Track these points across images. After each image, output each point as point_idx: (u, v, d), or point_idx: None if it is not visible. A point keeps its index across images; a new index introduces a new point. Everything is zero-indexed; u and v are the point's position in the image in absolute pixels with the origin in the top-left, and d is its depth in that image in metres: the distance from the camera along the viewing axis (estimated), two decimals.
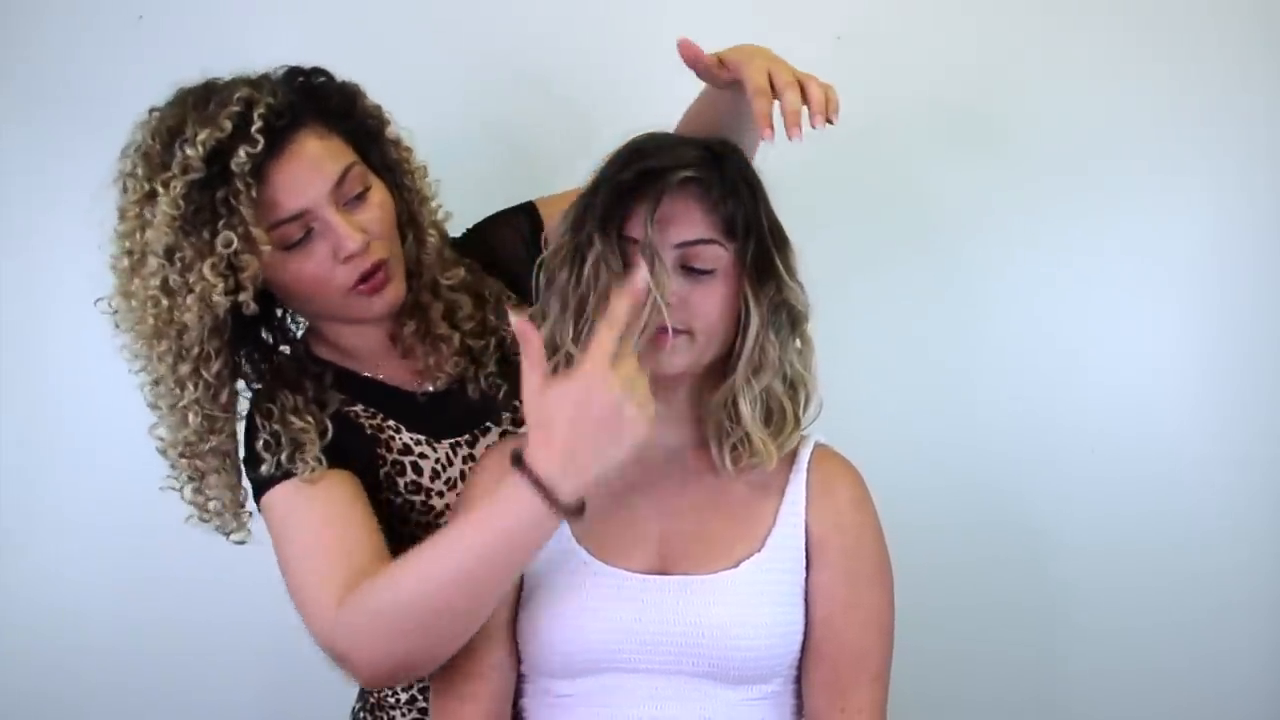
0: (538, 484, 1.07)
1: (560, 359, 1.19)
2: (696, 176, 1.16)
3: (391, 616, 1.12)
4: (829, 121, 1.15)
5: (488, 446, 1.36)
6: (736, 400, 1.19)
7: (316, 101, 1.27)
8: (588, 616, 1.18)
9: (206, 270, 1.18)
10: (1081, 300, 1.70)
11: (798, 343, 1.23)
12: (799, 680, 1.24)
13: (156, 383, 1.26)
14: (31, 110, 1.78)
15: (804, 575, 1.22)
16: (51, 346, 1.80)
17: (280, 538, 1.25)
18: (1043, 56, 1.69)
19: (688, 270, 1.17)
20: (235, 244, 1.18)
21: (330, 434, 1.29)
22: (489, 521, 1.10)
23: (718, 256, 1.18)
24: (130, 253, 1.23)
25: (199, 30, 1.73)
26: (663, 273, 1.14)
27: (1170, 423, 1.70)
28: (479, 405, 1.37)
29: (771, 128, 1.13)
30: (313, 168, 1.22)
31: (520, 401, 1.34)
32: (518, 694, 1.25)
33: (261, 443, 1.26)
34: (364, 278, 1.26)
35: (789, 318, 1.21)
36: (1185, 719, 1.71)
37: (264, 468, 1.25)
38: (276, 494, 1.26)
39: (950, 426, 1.73)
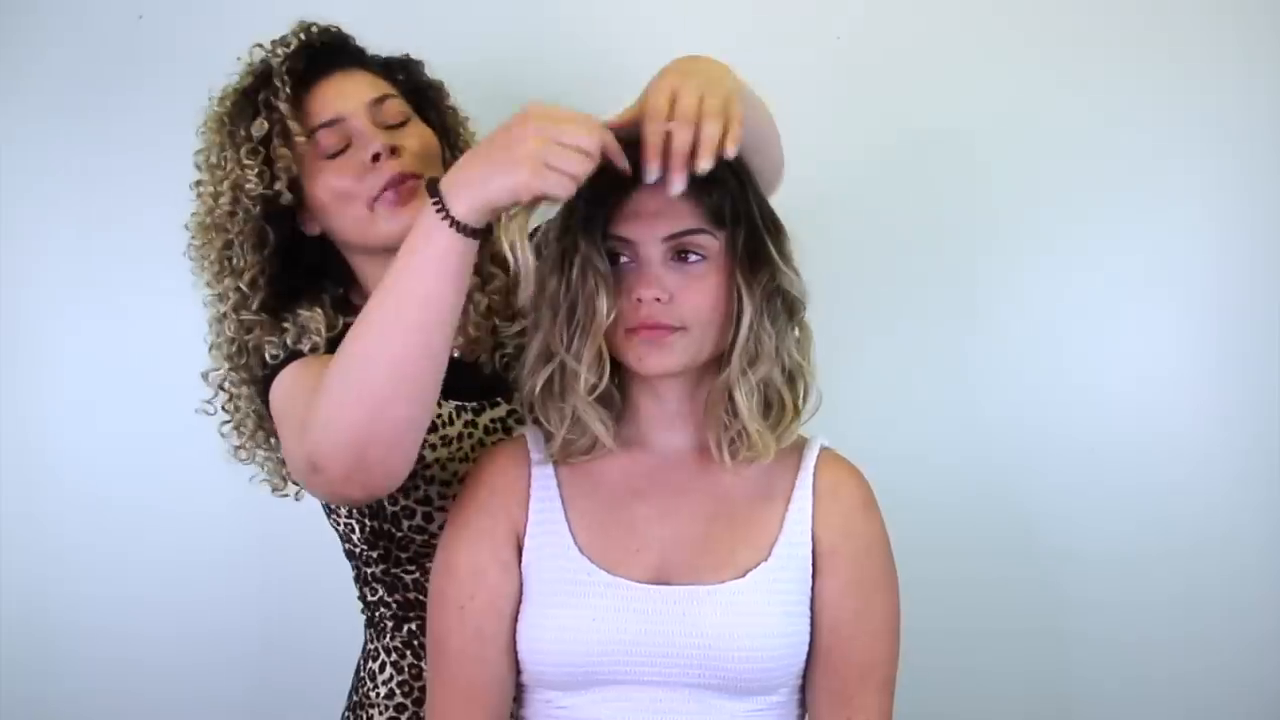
0: (434, 192, 1.07)
1: (555, 367, 1.18)
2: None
3: (337, 389, 1.11)
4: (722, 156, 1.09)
5: (494, 434, 1.37)
6: (733, 392, 1.17)
7: (379, 60, 1.39)
8: (591, 629, 1.15)
9: (243, 156, 1.29)
10: (1085, 305, 1.68)
11: (796, 332, 1.20)
12: (803, 689, 1.22)
13: (211, 297, 1.35)
14: (32, 110, 1.78)
15: (811, 583, 1.20)
16: (44, 346, 1.81)
17: (283, 414, 1.26)
18: (1045, 58, 1.68)
19: (677, 264, 1.15)
20: (266, 130, 1.28)
21: (340, 328, 1.32)
22: (399, 254, 1.10)
23: (707, 245, 1.15)
24: (199, 182, 1.35)
25: (199, 30, 1.73)
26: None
27: (1173, 427, 1.68)
28: (490, 380, 1.39)
29: (657, 160, 1.08)
30: (353, 87, 1.34)
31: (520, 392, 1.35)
32: (517, 703, 1.23)
33: (267, 341, 1.32)
34: (392, 186, 1.31)
35: (785, 306, 1.18)
36: None
37: (268, 356, 1.31)
38: (281, 376, 1.28)
39: (953, 433, 1.71)
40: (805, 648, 1.19)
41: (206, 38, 1.72)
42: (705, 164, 1.07)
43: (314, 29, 1.35)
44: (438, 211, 1.06)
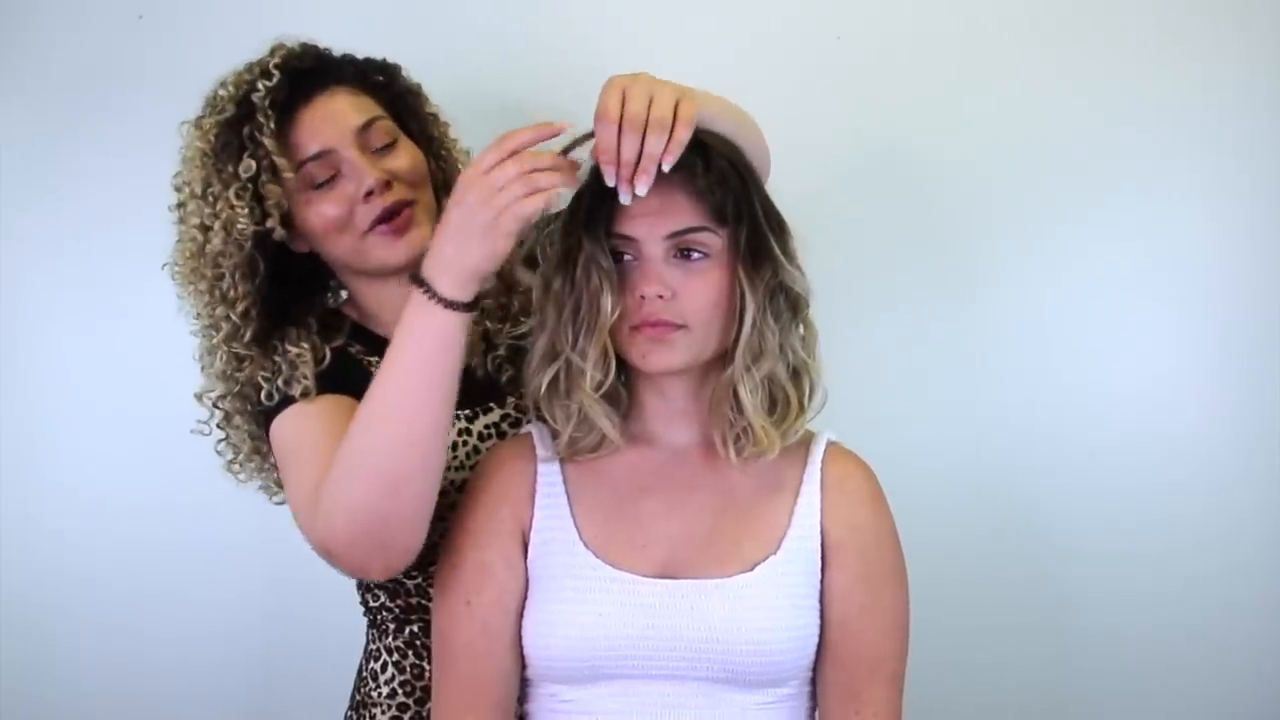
0: (420, 281, 1.14)
1: (560, 365, 1.19)
2: (681, 165, 1.14)
3: (346, 474, 1.16)
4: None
5: (488, 440, 1.37)
6: (737, 389, 1.18)
7: (356, 69, 1.37)
8: (597, 624, 1.16)
9: (231, 196, 1.28)
10: (1086, 305, 1.68)
11: (800, 329, 1.21)
12: (813, 681, 1.23)
13: (201, 327, 1.34)
14: (32, 110, 1.77)
15: (819, 577, 1.20)
16: (43, 344, 1.81)
17: (284, 463, 1.30)
18: (1045, 58, 1.67)
19: (680, 261, 1.16)
20: (254, 169, 1.27)
21: (327, 361, 1.33)
22: (394, 339, 1.16)
23: (709, 243, 1.16)
24: (182, 205, 1.34)
25: (199, 30, 1.73)
26: None
27: (1174, 426, 1.67)
28: (483, 385, 1.39)
29: (612, 164, 1.12)
30: (338, 113, 1.32)
31: (524, 391, 1.36)
32: (522, 698, 1.24)
33: (261, 376, 1.31)
34: (385, 218, 1.31)
35: (788, 302, 1.19)
36: None
37: (263, 395, 1.31)
38: (280, 421, 1.30)
39: (954, 431, 1.70)
40: (814, 641, 1.20)
41: (206, 38, 1.72)
42: (641, 188, 1.11)
43: (294, 51, 1.32)
44: (428, 297, 1.13)
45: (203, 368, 1.36)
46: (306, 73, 1.32)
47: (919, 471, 1.64)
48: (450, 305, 1.12)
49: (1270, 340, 1.66)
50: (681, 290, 1.15)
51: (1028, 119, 1.68)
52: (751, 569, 1.18)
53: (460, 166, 1.44)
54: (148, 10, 1.75)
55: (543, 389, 1.21)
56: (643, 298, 1.15)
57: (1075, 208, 1.68)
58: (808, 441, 1.25)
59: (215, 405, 1.37)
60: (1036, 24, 1.67)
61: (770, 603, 1.17)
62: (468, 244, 1.11)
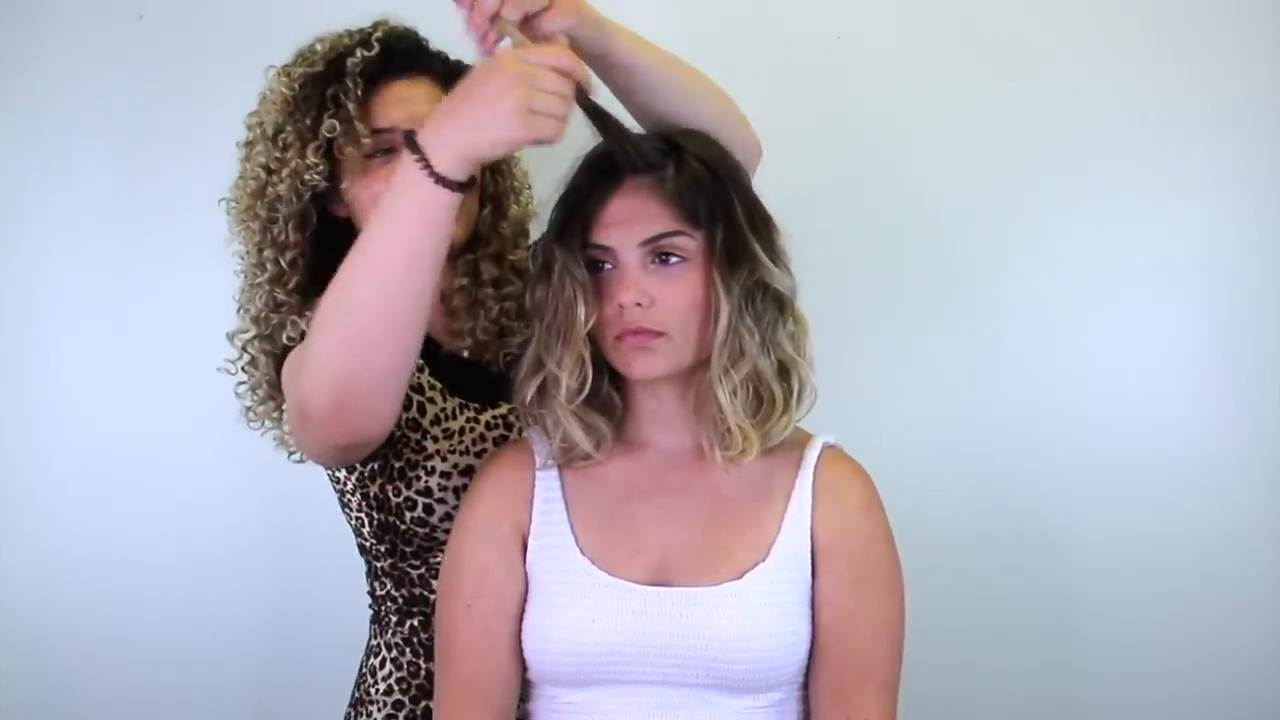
0: (414, 147, 1.07)
1: (545, 375, 1.19)
2: (650, 170, 1.15)
3: (324, 337, 1.14)
4: None
5: (495, 430, 1.38)
6: (715, 391, 1.17)
7: (444, 66, 1.39)
8: (591, 629, 1.16)
9: (309, 151, 1.31)
10: (1087, 302, 1.68)
11: (790, 325, 1.20)
12: (805, 686, 1.22)
13: (247, 266, 1.38)
14: (32, 109, 1.78)
15: (810, 582, 1.19)
16: (46, 343, 1.82)
17: (287, 382, 1.28)
18: (1044, 57, 1.68)
19: (658, 267, 1.16)
20: (339, 130, 1.31)
21: None
22: (380, 202, 1.11)
23: (685, 246, 1.16)
24: (250, 144, 1.37)
25: (199, 30, 1.74)
26: None
27: (1176, 425, 1.67)
28: (495, 380, 1.40)
29: None
30: (414, 99, 1.34)
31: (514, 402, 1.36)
32: (524, 698, 1.24)
33: (292, 320, 1.33)
34: None
35: (770, 300, 1.18)
36: None
37: (287, 334, 1.33)
38: (294, 351, 1.28)
39: (956, 430, 1.70)
40: (804, 647, 1.19)
41: (206, 38, 1.73)
42: None
43: (395, 30, 1.36)
44: (420, 167, 1.07)
45: (239, 308, 1.39)
46: (400, 53, 1.35)
47: (918, 471, 1.64)
48: (441, 180, 1.07)
49: (1271, 339, 1.66)
50: (659, 296, 1.15)
51: (1030, 116, 1.68)
52: (740, 576, 1.17)
53: (516, 186, 1.47)
54: (148, 10, 1.76)
55: (528, 399, 1.21)
56: (621, 306, 1.15)
57: (1075, 206, 1.67)
58: (803, 445, 1.23)
59: (245, 348, 1.39)
60: (1036, 24, 1.67)
61: (758, 610, 1.16)
62: (485, 124, 1.06)
